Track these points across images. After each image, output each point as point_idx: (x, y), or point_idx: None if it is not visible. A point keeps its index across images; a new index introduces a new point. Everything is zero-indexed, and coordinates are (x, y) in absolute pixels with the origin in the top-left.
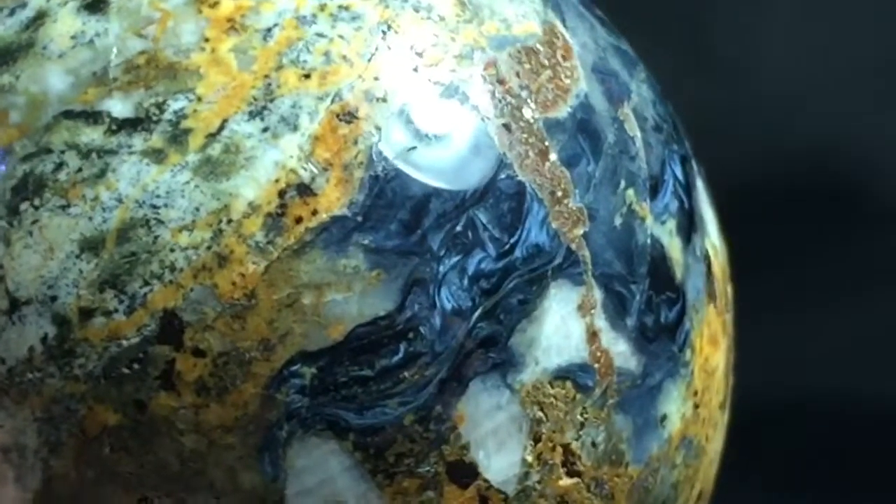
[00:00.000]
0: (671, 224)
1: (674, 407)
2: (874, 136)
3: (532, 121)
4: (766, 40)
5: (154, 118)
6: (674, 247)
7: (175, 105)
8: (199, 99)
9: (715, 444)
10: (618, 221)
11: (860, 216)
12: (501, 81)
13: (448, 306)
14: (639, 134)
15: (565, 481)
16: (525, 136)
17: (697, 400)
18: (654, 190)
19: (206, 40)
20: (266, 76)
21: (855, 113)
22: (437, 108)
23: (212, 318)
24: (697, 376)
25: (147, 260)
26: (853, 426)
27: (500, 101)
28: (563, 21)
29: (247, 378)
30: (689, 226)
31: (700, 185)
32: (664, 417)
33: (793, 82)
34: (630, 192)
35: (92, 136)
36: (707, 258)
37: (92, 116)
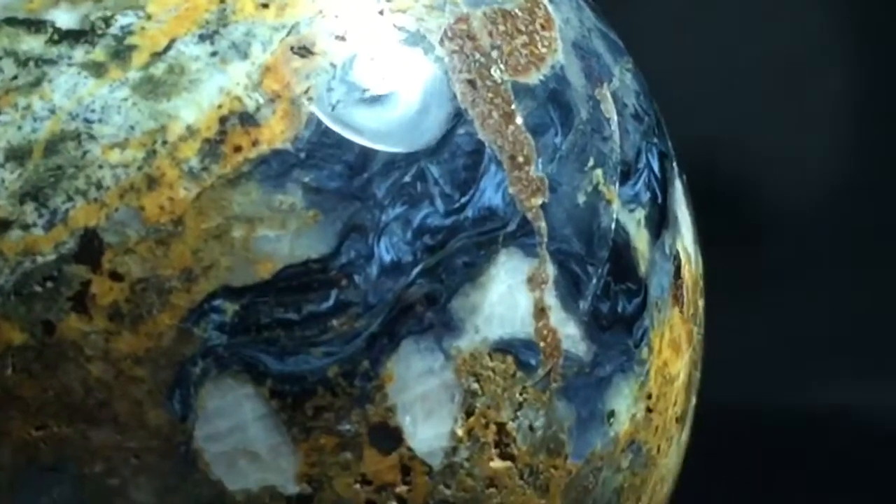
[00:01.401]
0: (639, 214)
1: (623, 405)
2: (754, 140)
3: (500, 81)
4: (647, 43)
5: (99, 32)
6: (640, 238)
7: (123, 21)
8: (149, 17)
9: (668, 461)
10: (581, 199)
11: (743, 220)
12: (471, 37)
13: (387, 258)
14: (615, 117)
15: (497, 463)
16: (490, 95)
17: (651, 404)
18: (626, 176)
19: None
20: (222, 1)
21: (735, 115)
22: (399, 55)
23: (134, 242)
24: (653, 379)
25: (73, 175)
26: (737, 434)
27: (467, 56)
28: None
29: (164, 308)
30: (659, 221)
31: (679, 187)
32: (611, 414)
33: (672, 85)
34: (598, 172)
35: (32, 44)
36: (677, 259)
37: (35, 25)
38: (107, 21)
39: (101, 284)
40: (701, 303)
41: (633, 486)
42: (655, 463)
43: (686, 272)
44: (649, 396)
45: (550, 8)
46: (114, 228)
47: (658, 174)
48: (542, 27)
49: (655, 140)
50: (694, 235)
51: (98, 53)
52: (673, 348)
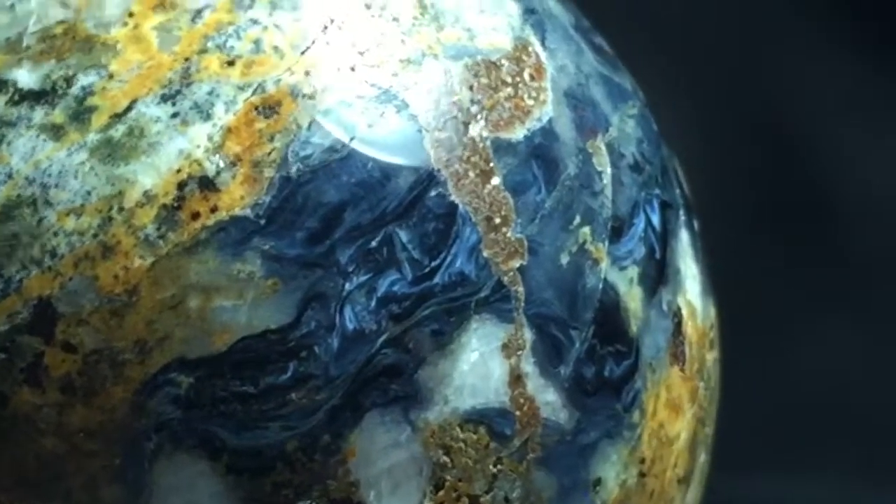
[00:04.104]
0: (633, 272)
1: (612, 472)
2: None
3: (478, 139)
4: None
5: (60, 92)
6: (632, 297)
7: (84, 80)
8: (111, 76)
9: None
10: (564, 259)
11: None
12: (449, 93)
13: (350, 327)
14: (609, 170)
15: None
16: (467, 154)
17: (645, 469)
18: (618, 232)
19: (131, 15)
20: (186, 59)
21: None
22: (370, 113)
23: (87, 312)
24: (647, 442)
25: (28, 243)
26: None
27: (443, 113)
28: (543, 40)
29: (117, 381)
30: (656, 277)
31: (685, 238)
32: (598, 482)
33: None
34: (585, 230)
35: None
36: (677, 315)
37: None
38: (68, 81)
39: (53, 356)
40: (710, 356)
41: None
42: None
43: (689, 327)
44: (642, 461)
45: (543, 56)
46: (67, 298)
47: (657, 227)
48: (531, 77)
49: (657, 190)
50: (703, 286)
51: (57, 115)
52: (671, 408)
